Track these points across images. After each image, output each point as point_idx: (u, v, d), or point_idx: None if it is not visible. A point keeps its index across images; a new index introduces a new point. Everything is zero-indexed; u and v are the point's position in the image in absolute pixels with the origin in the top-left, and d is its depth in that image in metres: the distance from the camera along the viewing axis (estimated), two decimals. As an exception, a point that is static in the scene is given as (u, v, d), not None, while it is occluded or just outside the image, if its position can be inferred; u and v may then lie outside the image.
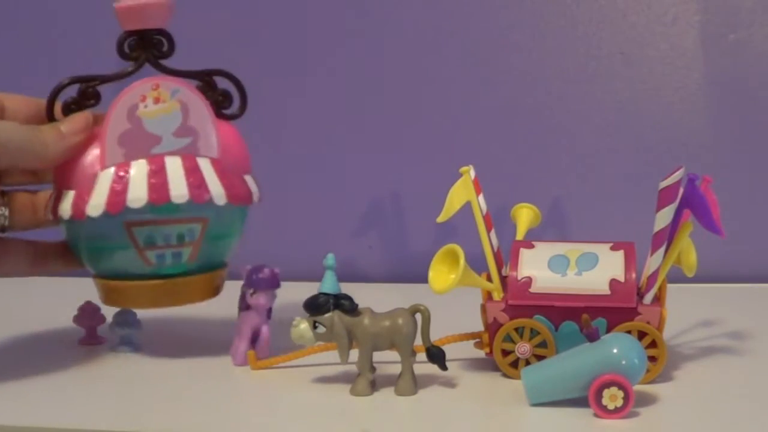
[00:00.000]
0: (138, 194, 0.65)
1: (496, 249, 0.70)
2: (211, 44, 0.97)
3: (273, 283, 0.70)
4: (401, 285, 0.95)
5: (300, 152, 1.03)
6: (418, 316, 0.65)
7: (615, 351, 0.59)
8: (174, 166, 0.66)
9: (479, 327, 0.69)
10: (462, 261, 0.63)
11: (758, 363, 0.70)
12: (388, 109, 1.01)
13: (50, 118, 0.68)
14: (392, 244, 1.03)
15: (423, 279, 0.65)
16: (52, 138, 0.66)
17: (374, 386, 0.65)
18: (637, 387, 0.60)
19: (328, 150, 1.03)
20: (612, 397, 0.59)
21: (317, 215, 1.03)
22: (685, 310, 0.76)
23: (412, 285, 0.84)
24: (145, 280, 0.69)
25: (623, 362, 0.59)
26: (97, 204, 0.65)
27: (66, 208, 0.67)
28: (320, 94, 1.02)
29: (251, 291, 0.70)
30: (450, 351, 0.66)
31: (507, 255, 0.69)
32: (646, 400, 0.62)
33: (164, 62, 0.70)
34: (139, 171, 0.66)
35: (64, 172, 0.68)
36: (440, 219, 0.68)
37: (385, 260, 1.03)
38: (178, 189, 0.66)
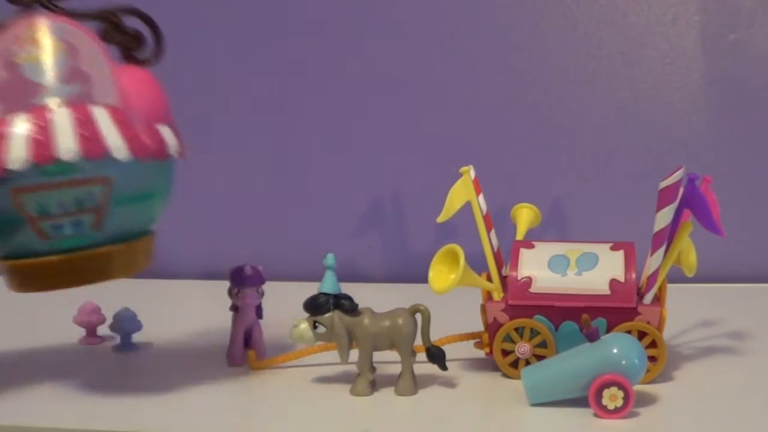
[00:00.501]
0: (18, 153, 0.55)
1: (496, 249, 0.70)
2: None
3: (256, 280, 0.70)
4: (401, 285, 0.95)
5: (300, 152, 1.03)
6: (418, 316, 0.65)
7: (615, 351, 0.59)
8: (61, 118, 0.56)
9: (479, 327, 0.69)
10: (462, 261, 0.63)
11: (758, 363, 0.70)
12: (388, 109, 1.01)
13: None
14: (392, 244, 1.03)
15: (423, 279, 0.65)
16: None
17: (374, 386, 0.65)
18: (637, 387, 0.60)
19: (328, 150, 1.03)
20: (612, 397, 0.59)
21: (317, 215, 1.03)
22: (685, 310, 0.76)
23: (412, 285, 0.84)
24: (45, 256, 0.58)
25: (623, 362, 0.59)
26: None
27: None
28: (320, 95, 1.02)
29: (236, 291, 0.70)
30: (450, 351, 0.66)
31: (507, 255, 0.69)
32: (646, 400, 0.62)
33: (60, 4, 0.60)
34: (18, 126, 0.55)
35: None
36: (440, 219, 0.68)
37: (385, 260, 1.03)
38: (66, 143, 0.55)
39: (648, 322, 0.65)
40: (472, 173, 0.69)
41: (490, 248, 0.69)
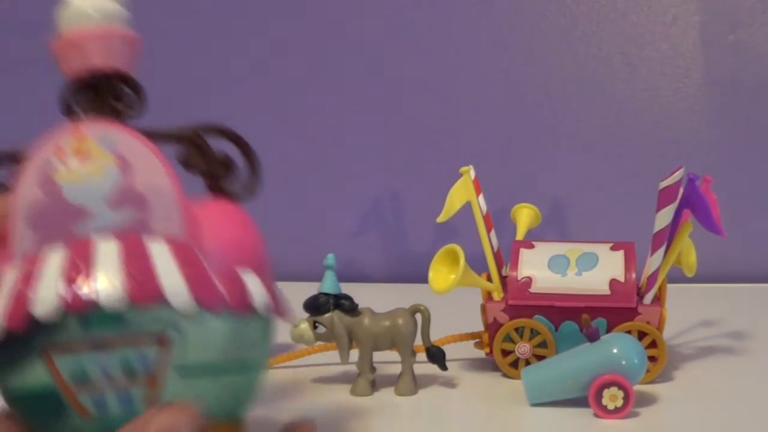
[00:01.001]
0: (47, 297, 0.40)
1: (496, 249, 0.70)
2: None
3: None
4: (401, 285, 0.95)
5: (300, 152, 1.03)
6: (418, 316, 0.65)
7: (615, 351, 0.59)
8: (105, 252, 0.42)
9: (479, 327, 0.69)
10: (462, 261, 0.63)
11: (758, 363, 0.70)
12: (388, 109, 1.01)
13: None
14: (392, 244, 1.03)
15: (423, 279, 0.65)
16: None
17: (374, 386, 0.65)
18: (637, 387, 0.60)
19: (328, 150, 1.03)
20: (612, 397, 0.59)
21: (317, 215, 1.03)
22: (685, 310, 0.76)
23: (412, 285, 0.84)
24: None
25: (623, 362, 0.59)
26: None
27: None
28: (320, 95, 1.02)
29: None
30: (450, 351, 0.66)
31: (507, 255, 0.69)
32: (646, 400, 0.62)
33: (130, 121, 0.47)
34: (53, 262, 0.42)
35: None
36: (440, 219, 0.68)
37: (385, 260, 1.03)
38: (109, 284, 0.40)
39: (648, 322, 0.65)
40: (472, 173, 0.69)
41: (490, 248, 0.69)
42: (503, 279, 0.69)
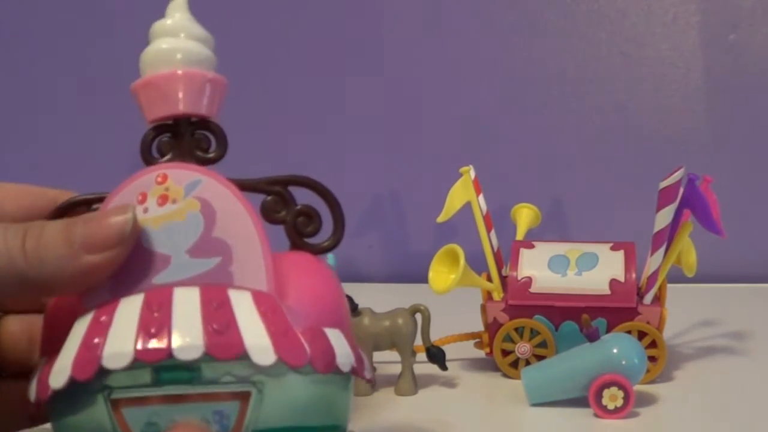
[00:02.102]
0: (119, 347, 0.37)
1: (496, 249, 0.70)
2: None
3: None
4: (401, 285, 0.95)
5: (300, 152, 1.03)
6: (418, 316, 0.65)
7: (615, 351, 0.59)
8: (186, 301, 0.39)
9: (479, 327, 0.69)
10: (462, 261, 0.63)
11: (758, 363, 0.70)
12: (388, 109, 1.01)
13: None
14: (392, 244, 1.03)
15: (423, 279, 0.65)
16: (56, 252, 0.39)
17: (374, 386, 0.65)
18: (637, 387, 0.60)
19: (328, 150, 1.03)
20: (612, 397, 0.59)
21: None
22: (685, 310, 0.76)
23: (412, 285, 0.84)
24: None
25: (623, 362, 0.59)
26: (61, 367, 0.38)
27: (32, 385, 0.40)
28: (320, 94, 1.02)
29: None
30: (450, 351, 0.66)
31: (507, 255, 0.69)
32: (646, 400, 0.62)
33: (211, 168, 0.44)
34: (128, 311, 0.39)
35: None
36: (440, 219, 0.68)
37: (385, 260, 1.03)
38: (188, 336, 0.38)
39: (648, 322, 0.65)
40: (472, 173, 0.69)
41: (490, 248, 0.69)
42: (503, 279, 0.69)
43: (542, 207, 0.76)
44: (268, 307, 0.40)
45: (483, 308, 0.68)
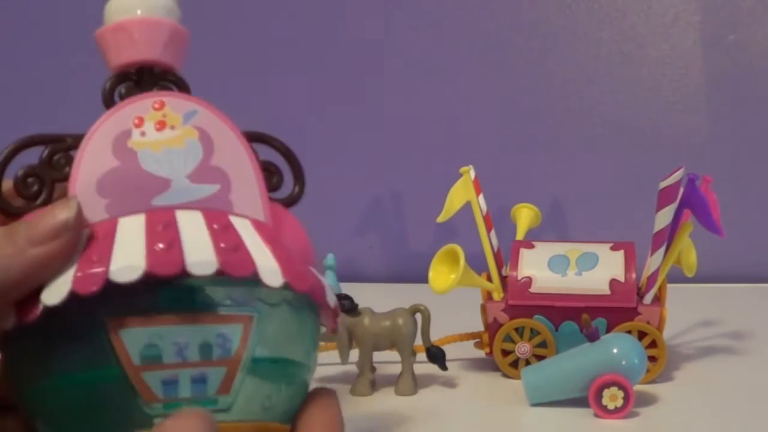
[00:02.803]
0: (128, 260, 0.35)
1: (496, 249, 0.70)
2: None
3: None
4: (401, 285, 0.95)
5: (299, 152, 1.03)
6: (418, 316, 0.65)
7: (615, 351, 0.59)
8: (191, 221, 0.38)
9: (479, 327, 0.69)
10: (462, 261, 0.63)
11: (758, 363, 0.70)
12: (388, 109, 1.01)
13: None
14: (392, 244, 1.03)
15: (423, 279, 0.65)
16: (1, 252, 0.37)
17: (374, 386, 0.65)
18: (637, 387, 0.60)
19: (329, 150, 1.03)
20: (612, 397, 0.59)
21: (317, 215, 1.03)
22: (685, 310, 0.76)
23: (412, 285, 0.84)
24: (147, 430, 0.36)
25: (623, 362, 0.59)
26: (58, 284, 0.35)
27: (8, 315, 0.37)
28: (320, 94, 1.02)
29: None
30: (450, 351, 0.66)
31: (507, 255, 0.69)
32: (646, 400, 0.62)
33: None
34: (131, 228, 0.37)
35: None
36: (440, 219, 0.68)
37: (385, 260, 1.03)
38: (200, 252, 0.36)
39: (648, 322, 0.65)
40: (472, 173, 0.69)
41: (490, 248, 0.69)
42: (503, 279, 0.69)
43: (542, 207, 0.77)
44: (269, 235, 0.39)
45: (483, 308, 0.68)
